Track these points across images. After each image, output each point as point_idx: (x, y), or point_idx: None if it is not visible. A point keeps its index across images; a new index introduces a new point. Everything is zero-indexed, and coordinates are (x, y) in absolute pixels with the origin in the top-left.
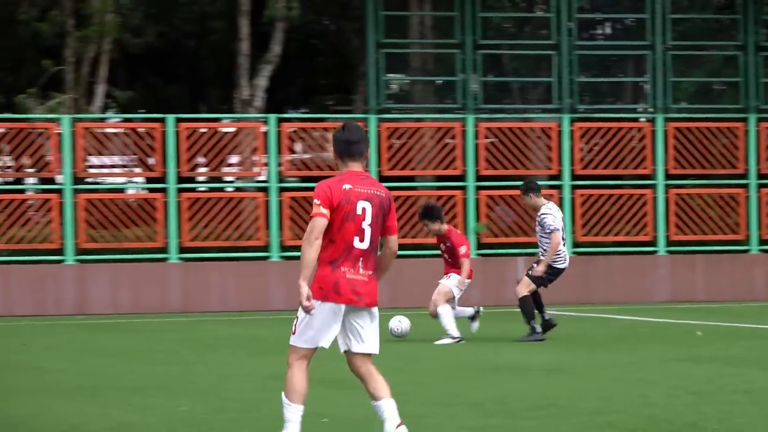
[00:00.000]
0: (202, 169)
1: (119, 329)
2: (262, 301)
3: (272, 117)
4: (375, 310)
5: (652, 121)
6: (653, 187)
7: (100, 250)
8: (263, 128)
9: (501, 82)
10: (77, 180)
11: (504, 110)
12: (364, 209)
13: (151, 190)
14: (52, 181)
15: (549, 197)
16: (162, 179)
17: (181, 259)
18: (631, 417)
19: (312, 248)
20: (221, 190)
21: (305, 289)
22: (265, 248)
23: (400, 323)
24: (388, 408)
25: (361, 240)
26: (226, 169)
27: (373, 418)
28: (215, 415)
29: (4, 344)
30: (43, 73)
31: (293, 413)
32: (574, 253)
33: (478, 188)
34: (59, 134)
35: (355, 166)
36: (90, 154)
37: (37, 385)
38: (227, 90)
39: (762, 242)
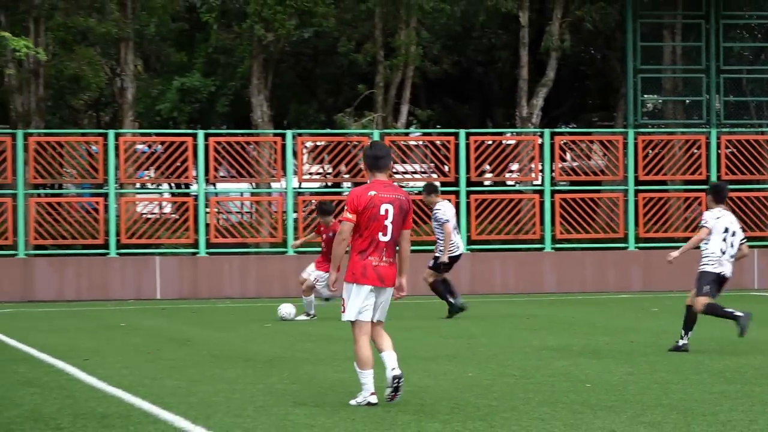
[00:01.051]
0: (488, 175)
1: (417, 308)
2: (537, 285)
3: (546, 131)
4: (393, 289)
5: None
6: None
7: None
8: (539, 140)
9: (740, 101)
10: None
11: (742, 125)
12: (387, 210)
13: (446, 193)
14: (364, 184)
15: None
16: (454, 183)
17: (469, 250)
18: None
19: (340, 246)
20: (504, 192)
21: (333, 276)
22: (540, 241)
23: (288, 311)
24: (389, 357)
25: (384, 234)
26: (508, 175)
27: (628, 381)
28: (497, 380)
29: (329, 321)
30: (358, 95)
31: (366, 377)
32: None
33: None
34: None
35: (381, 176)
36: (395, 162)
37: (349, 353)
38: (509, 108)
39: None
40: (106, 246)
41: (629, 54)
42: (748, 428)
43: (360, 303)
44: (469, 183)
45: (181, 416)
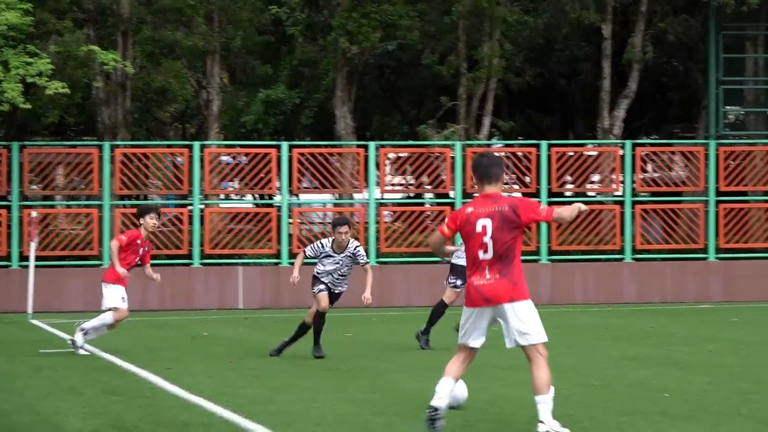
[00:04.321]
0: (569, 186)
1: None
2: (616, 295)
3: (628, 142)
4: (517, 304)
5: None
6: None
7: None
8: (620, 152)
9: None
10: (466, 195)
11: None
12: (484, 226)
13: None
14: (446, 195)
15: None
16: (536, 194)
17: (550, 260)
18: None
19: (432, 244)
20: (585, 203)
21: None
22: (620, 251)
23: None
24: (540, 402)
25: (485, 252)
26: (589, 186)
27: (707, 391)
28: (576, 390)
29: (411, 331)
30: (441, 107)
31: (442, 385)
32: None
33: None
34: (452, 157)
35: (490, 189)
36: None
37: (429, 363)
38: (591, 120)
39: None
40: (189, 256)
41: (711, 65)
42: None
43: (466, 326)
44: (550, 194)
45: (262, 425)
